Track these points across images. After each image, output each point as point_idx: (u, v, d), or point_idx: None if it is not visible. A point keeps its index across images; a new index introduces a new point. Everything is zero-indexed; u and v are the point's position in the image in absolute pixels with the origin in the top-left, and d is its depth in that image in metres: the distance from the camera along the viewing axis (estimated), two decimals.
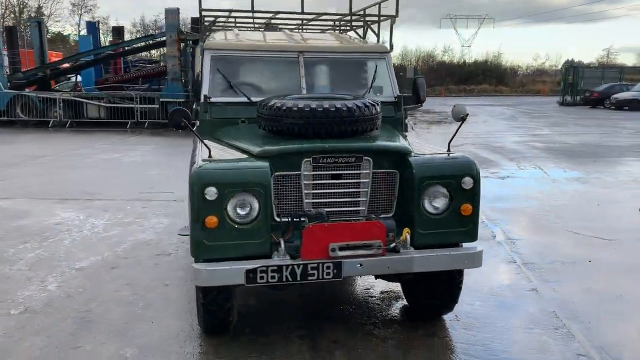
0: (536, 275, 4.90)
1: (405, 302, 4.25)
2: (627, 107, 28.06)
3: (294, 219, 3.32)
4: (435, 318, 3.99)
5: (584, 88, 32.24)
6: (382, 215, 3.47)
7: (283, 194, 3.40)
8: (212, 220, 3.14)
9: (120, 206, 7.33)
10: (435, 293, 3.77)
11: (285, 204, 3.41)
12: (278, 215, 3.39)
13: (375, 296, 4.42)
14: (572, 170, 10.26)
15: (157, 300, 4.34)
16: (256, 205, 3.21)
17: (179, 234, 4.73)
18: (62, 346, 3.60)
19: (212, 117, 4.13)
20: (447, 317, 4.02)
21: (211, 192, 3.11)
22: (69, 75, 22.05)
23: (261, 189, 3.19)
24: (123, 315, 4.07)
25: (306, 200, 3.42)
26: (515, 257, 5.40)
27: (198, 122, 4.20)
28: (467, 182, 3.42)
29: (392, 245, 3.29)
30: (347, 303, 4.29)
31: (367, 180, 3.46)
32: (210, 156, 3.35)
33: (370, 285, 4.60)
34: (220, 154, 3.50)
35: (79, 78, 21.26)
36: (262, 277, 3.15)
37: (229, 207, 3.18)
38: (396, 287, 4.50)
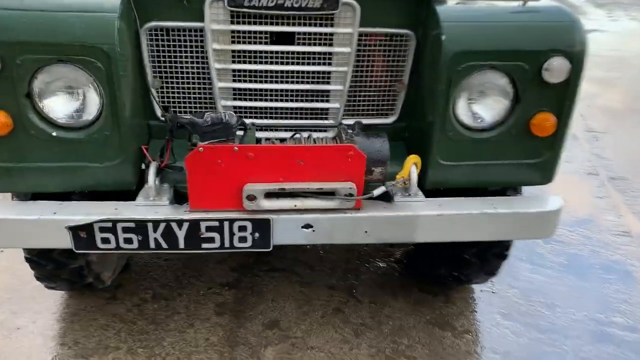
0: (629, 202, 3.16)
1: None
2: None
3: (176, 125, 1.61)
4: (456, 288, 2.39)
5: None
6: (376, 121, 1.71)
7: (172, 70, 1.66)
8: None
9: None
10: (461, 263, 2.11)
11: (180, 90, 1.69)
12: (166, 110, 1.71)
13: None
14: None
15: None
16: (92, 91, 1.51)
17: None
18: None
19: None
20: (478, 286, 2.41)
21: None
22: None
23: (100, 58, 1.47)
24: None
25: (220, 85, 1.69)
26: (597, 164, 3.59)
27: None
28: (557, 67, 1.56)
29: (380, 190, 1.58)
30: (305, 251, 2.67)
31: (349, 49, 1.64)
32: None
33: None
34: None
35: None
36: (105, 240, 1.58)
37: (37, 94, 1.50)
38: None
